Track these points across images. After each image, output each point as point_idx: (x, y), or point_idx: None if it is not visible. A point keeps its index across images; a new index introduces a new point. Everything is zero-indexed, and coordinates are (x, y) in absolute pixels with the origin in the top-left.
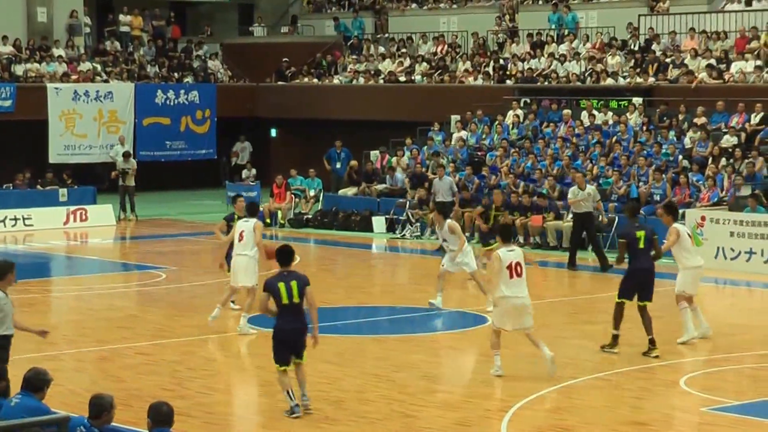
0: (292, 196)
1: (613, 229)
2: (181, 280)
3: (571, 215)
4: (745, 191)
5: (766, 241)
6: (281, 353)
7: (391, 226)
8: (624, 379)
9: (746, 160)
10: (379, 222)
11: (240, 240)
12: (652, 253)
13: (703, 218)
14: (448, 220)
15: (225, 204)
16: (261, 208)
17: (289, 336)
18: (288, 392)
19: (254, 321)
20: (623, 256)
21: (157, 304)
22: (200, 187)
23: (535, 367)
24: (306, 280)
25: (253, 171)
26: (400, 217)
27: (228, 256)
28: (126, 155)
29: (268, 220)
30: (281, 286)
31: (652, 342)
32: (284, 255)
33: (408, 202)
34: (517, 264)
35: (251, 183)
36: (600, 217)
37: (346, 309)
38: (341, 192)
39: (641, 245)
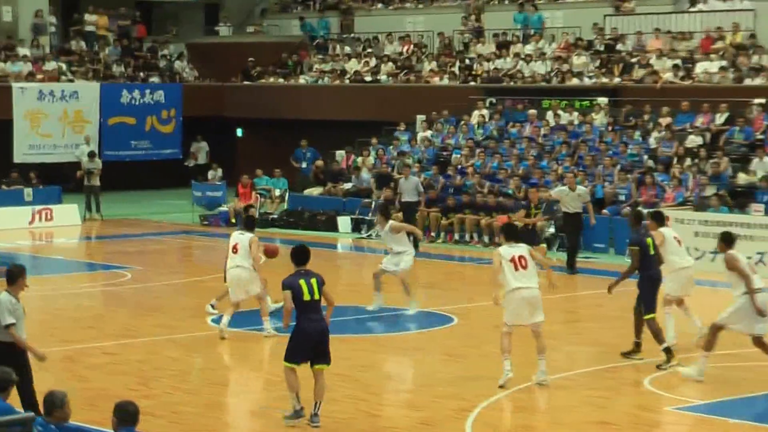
0: (258, 195)
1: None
2: (146, 280)
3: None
4: (710, 191)
5: None
6: (298, 352)
7: (356, 226)
8: (589, 379)
9: (711, 160)
10: (344, 222)
11: (234, 252)
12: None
13: (668, 218)
14: (390, 221)
15: (191, 204)
16: (227, 208)
17: (311, 336)
18: (297, 394)
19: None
20: (637, 264)
21: (122, 303)
22: (166, 187)
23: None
24: (323, 279)
25: (219, 171)
26: (366, 217)
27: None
28: (91, 155)
29: (233, 220)
30: (302, 283)
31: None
32: (301, 254)
33: (373, 202)
34: (521, 257)
35: (217, 183)
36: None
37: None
38: (307, 192)
39: (651, 251)
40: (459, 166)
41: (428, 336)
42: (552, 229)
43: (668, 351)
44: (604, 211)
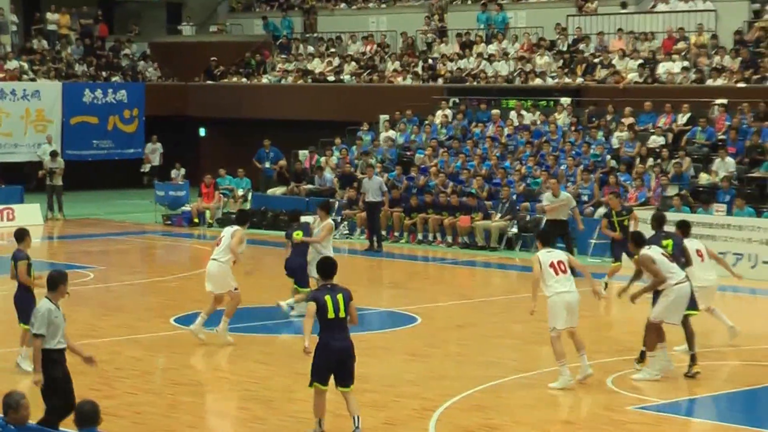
0: (221, 195)
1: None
2: (109, 280)
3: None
4: (672, 191)
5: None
6: (322, 372)
7: None
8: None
9: (673, 160)
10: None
11: (217, 245)
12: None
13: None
14: (329, 220)
15: (153, 203)
16: (190, 207)
17: (336, 355)
18: (320, 420)
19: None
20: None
21: (85, 303)
22: (128, 187)
23: (463, 367)
24: (350, 295)
25: (182, 170)
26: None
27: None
28: (53, 154)
29: (196, 220)
30: (328, 299)
31: (693, 359)
32: (327, 268)
33: (337, 202)
34: (560, 262)
35: (180, 183)
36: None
37: (275, 309)
38: (270, 192)
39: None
40: (422, 166)
41: (392, 336)
42: (515, 229)
43: (693, 358)
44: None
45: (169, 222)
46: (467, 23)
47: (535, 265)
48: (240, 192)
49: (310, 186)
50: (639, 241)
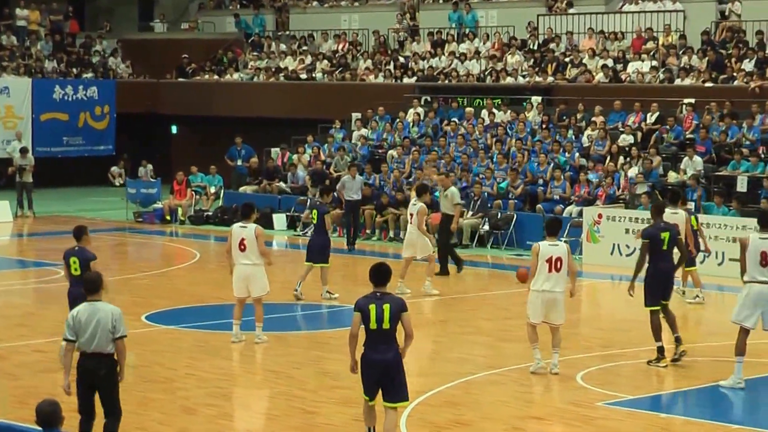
0: (193, 192)
1: (511, 226)
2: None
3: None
4: (641, 189)
5: None
6: (366, 384)
7: (291, 224)
8: (521, 374)
9: (643, 158)
10: (280, 219)
11: (242, 250)
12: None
13: (600, 216)
14: (421, 204)
15: (124, 200)
16: (161, 204)
17: (375, 368)
18: (369, 429)
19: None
20: (645, 258)
21: (54, 301)
22: (99, 184)
23: (435, 363)
24: (402, 305)
25: (150, 167)
26: (301, 215)
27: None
28: (23, 151)
29: (168, 217)
30: (372, 308)
31: (677, 340)
32: (379, 274)
33: (309, 200)
34: (558, 258)
35: (151, 180)
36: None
37: (246, 306)
38: (242, 189)
39: (665, 246)
40: (392, 164)
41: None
42: (486, 227)
43: (661, 350)
44: (539, 206)
45: (140, 219)
46: (439, 22)
47: (534, 256)
48: (212, 189)
49: (282, 184)
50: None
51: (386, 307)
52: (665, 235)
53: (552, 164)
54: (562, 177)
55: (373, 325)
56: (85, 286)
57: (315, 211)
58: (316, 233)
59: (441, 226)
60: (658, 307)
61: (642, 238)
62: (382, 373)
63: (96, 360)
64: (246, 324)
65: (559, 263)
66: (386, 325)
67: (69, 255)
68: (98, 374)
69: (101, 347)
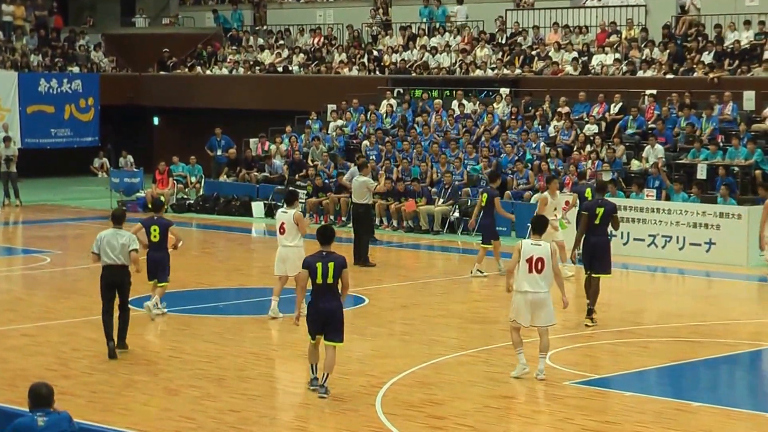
0: (175, 182)
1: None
2: (65, 264)
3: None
4: (606, 177)
5: (624, 224)
6: (310, 328)
7: (269, 212)
8: (491, 355)
9: (607, 148)
10: (258, 207)
11: (282, 233)
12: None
13: (567, 203)
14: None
15: (109, 190)
16: (144, 193)
17: (319, 315)
18: (312, 366)
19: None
20: (585, 229)
21: (42, 287)
22: (85, 174)
23: (408, 345)
24: (344, 263)
25: (130, 158)
26: (279, 203)
27: None
28: (6, 140)
29: (150, 206)
30: (318, 265)
31: (590, 312)
32: (323, 234)
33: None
34: (539, 259)
35: (134, 170)
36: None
37: (227, 290)
38: (221, 178)
39: (597, 221)
40: (367, 154)
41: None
42: (456, 214)
43: (588, 312)
44: (507, 192)
45: (124, 208)
46: (411, 17)
47: (515, 254)
48: (193, 179)
49: (260, 174)
50: None
51: (331, 264)
52: (599, 210)
53: (515, 157)
54: (528, 166)
55: (318, 280)
56: (113, 219)
57: (485, 195)
58: (485, 215)
59: (362, 216)
60: (589, 273)
61: (580, 210)
62: (327, 317)
63: (118, 269)
64: (212, 309)
65: (540, 264)
66: (330, 280)
67: (149, 224)
68: (119, 280)
69: (123, 261)
